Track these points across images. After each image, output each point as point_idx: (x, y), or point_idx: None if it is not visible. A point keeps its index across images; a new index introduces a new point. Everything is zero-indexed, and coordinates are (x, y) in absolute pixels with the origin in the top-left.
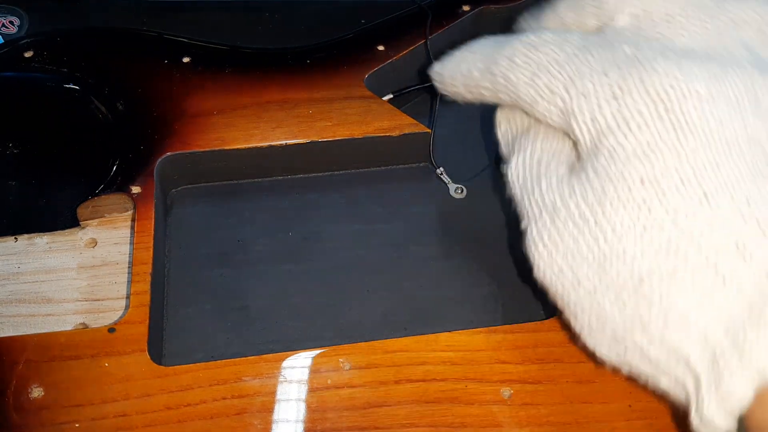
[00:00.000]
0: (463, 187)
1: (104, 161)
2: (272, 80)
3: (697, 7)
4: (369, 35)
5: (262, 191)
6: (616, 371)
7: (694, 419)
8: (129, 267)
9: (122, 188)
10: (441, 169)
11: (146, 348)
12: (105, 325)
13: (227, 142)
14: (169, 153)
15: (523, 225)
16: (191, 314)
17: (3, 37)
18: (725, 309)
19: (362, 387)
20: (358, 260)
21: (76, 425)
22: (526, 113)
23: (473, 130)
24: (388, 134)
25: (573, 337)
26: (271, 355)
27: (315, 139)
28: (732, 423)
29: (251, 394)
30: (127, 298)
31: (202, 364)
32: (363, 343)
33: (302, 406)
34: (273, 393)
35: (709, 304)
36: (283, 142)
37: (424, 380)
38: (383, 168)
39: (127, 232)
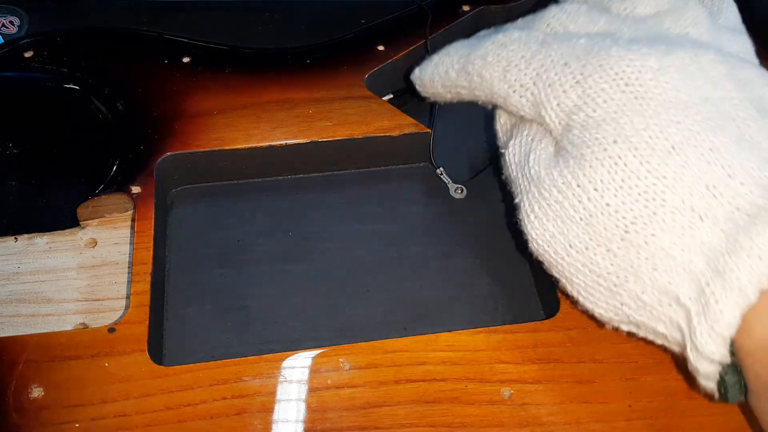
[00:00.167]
0: (463, 187)
1: (104, 161)
2: (272, 80)
3: (624, 25)
4: (369, 35)
5: (262, 191)
6: (617, 331)
7: (691, 355)
8: (129, 267)
9: (122, 188)
10: (441, 169)
11: (146, 348)
12: (105, 325)
13: (227, 142)
14: (169, 153)
15: (516, 201)
16: (191, 314)
17: (3, 37)
18: (705, 242)
19: (362, 387)
20: (358, 260)
21: (76, 425)
22: None
23: (473, 130)
24: (388, 134)
25: (573, 302)
26: (271, 355)
27: (315, 139)
28: (724, 350)
29: (251, 394)
30: (127, 298)
31: (202, 364)
32: (363, 343)
33: (302, 406)
34: (273, 393)
35: (689, 240)
36: (283, 142)
37: (424, 380)
38: (383, 168)
39: (127, 232)
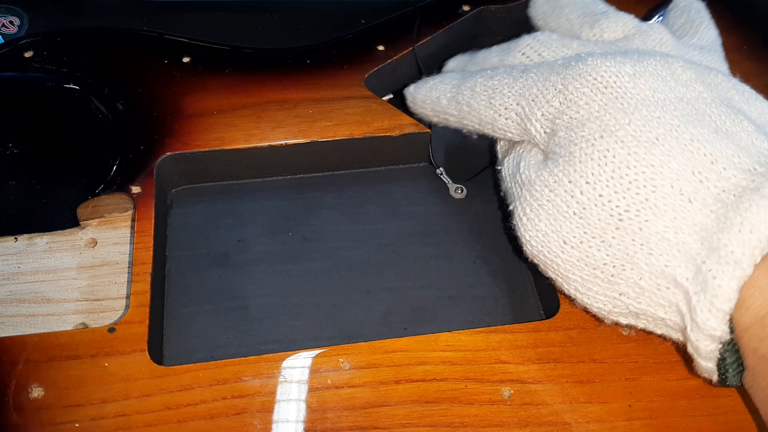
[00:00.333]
0: (463, 187)
1: (104, 161)
2: (272, 80)
3: (604, 45)
4: (369, 35)
5: (262, 191)
6: (617, 327)
7: (692, 334)
8: (129, 267)
9: (122, 188)
10: (441, 169)
11: (146, 348)
12: (105, 325)
13: (227, 142)
14: (169, 153)
15: (511, 209)
16: (191, 314)
17: (3, 37)
18: (697, 223)
19: (362, 387)
20: (358, 260)
21: (76, 425)
22: None
23: None
24: (388, 134)
25: (570, 300)
26: (271, 355)
27: (315, 139)
28: (725, 326)
29: (251, 394)
30: (127, 298)
31: (202, 364)
32: (363, 343)
33: (302, 406)
34: (273, 393)
35: (682, 222)
36: (283, 142)
37: (424, 380)
38: (383, 168)
39: (127, 232)
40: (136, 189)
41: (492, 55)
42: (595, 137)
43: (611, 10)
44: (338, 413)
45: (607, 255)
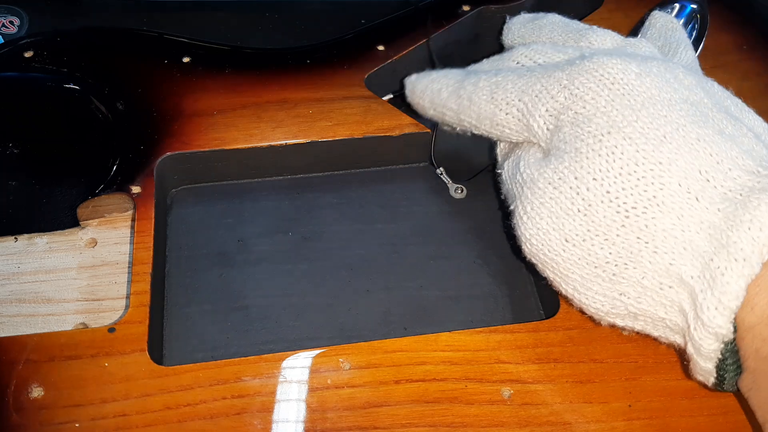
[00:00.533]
0: (463, 187)
1: (104, 161)
2: (272, 80)
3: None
4: (369, 35)
5: (262, 191)
6: (614, 328)
7: (696, 333)
8: (129, 267)
9: (122, 188)
10: (441, 169)
11: (146, 348)
12: (105, 325)
13: (227, 142)
14: (169, 153)
15: (511, 209)
16: (191, 314)
17: (3, 37)
18: (704, 221)
19: (362, 387)
20: (358, 260)
21: (76, 425)
22: None
23: None
24: (388, 134)
25: (567, 300)
26: (271, 355)
27: (315, 139)
28: (730, 325)
29: (251, 394)
30: (127, 298)
31: (202, 364)
32: (363, 343)
33: (302, 406)
34: (273, 393)
35: (689, 220)
36: (283, 142)
37: (424, 380)
38: (383, 168)
39: (127, 232)
40: (136, 189)
41: (484, 67)
42: (603, 133)
43: (594, 26)
44: (338, 413)
45: (610, 253)
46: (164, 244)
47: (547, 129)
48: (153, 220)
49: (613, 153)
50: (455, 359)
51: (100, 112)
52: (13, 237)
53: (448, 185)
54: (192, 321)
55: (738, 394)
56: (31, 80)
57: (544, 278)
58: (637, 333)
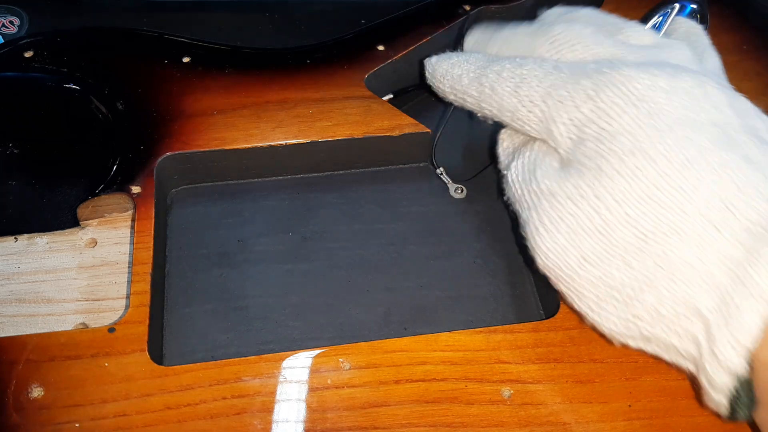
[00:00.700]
0: (463, 187)
1: (104, 161)
2: (272, 80)
3: (627, 51)
4: (369, 35)
5: (262, 191)
6: (625, 348)
7: (708, 366)
8: (129, 267)
9: (122, 188)
10: (441, 169)
11: (146, 348)
12: (105, 325)
13: (227, 142)
14: (169, 153)
15: (524, 218)
16: (191, 314)
17: (3, 37)
18: (724, 253)
19: (362, 387)
20: (358, 260)
21: (76, 425)
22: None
23: (473, 130)
24: (388, 134)
25: (580, 317)
26: (271, 355)
27: (315, 139)
28: (744, 361)
29: (251, 394)
30: (127, 298)
31: (202, 364)
32: (363, 343)
33: (302, 406)
34: (273, 393)
35: (709, 251)
36: (283, 142)
37: (424, 380)
38: (383, 168)
39: (127, 232)
40: (136, 189)
41: (518, 36)
42: (626, 153)
43: (633, 21)
44: (338, 413)
45: (627, 277)
46: (164, 244)
47: (569, 138)
48: (153, 220)
49: (635, 175)
50: (455, 359)
51: (100, 112)
52: (13, 237)
53: (448, 185)
54: (192, 321)
55: (752, 424)
56: (31, 80)
57: (547, 281)
58: (649, 355)
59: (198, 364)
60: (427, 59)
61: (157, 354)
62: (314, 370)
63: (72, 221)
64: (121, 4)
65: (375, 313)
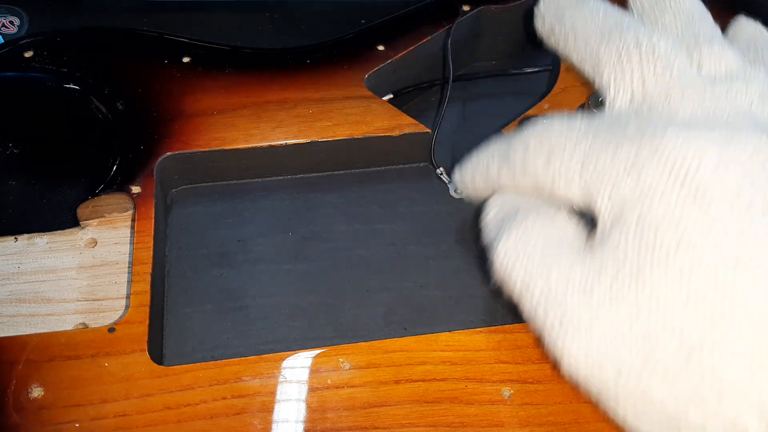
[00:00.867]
0: None
1: (104, 161)
2: (272, 80)
3: (691, 85)
4: (369, 35)
5: (262, 191)
6: None
7: None
8: (129, 267)
9: (122, 188)
10: (441, 169)
11: (146, 348)
12: (105, 325)
13: (227, 142)
14: (169, 153)
15: (539, 319)
16: (191, 314)
17: (3, 37)
18: None
19: (362, 387)
20: (358, 260)
21: (76, 425)
22: (516, 198)
23: (473, 130)
24: (388, 134)
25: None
26: (271, 355)
27: (315, 139)
28: None
29: (251, 394)
30: (127, 298)
31: (202, 364)
32: (363, 343)
33: (302, 406)
34: (273, 393)
35: (761, 370)
36: (283, 142)
37: (424, 380)
38: (383, 168)
39: (127, 232)
40: (136, 189)
41: (592, 26)
42: (672, 247)
43: (717, 35)
44: (338, 413)
45: (669, 394)
46: (164, 244)
47: (608, 216)
48: (153, 220)
49: (681, 274)
50: (455, 359)
51: (100, 112)
52: (13, 237)
53: (448, 185)
54: (192, 321)
55: None
56: (31, 80)
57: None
58: None
59: (198, 364)
60: (454, 177)
61: (157, 354)
62: (314, 370)
63: (72, 221)
64: (121, 4)
65: (375, 313)
